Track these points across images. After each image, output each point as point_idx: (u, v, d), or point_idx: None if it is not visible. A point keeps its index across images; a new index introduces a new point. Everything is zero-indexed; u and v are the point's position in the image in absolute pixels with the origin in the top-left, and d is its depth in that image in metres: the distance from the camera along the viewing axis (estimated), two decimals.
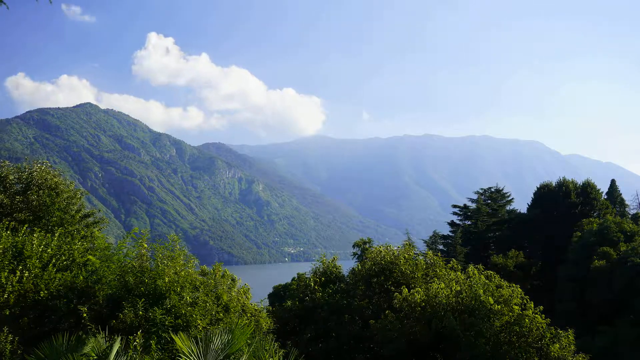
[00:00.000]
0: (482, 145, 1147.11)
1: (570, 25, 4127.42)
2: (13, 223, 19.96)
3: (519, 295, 22.68)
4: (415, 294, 22.79)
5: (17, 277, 16.09)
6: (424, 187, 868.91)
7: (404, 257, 26.94)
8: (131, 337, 13.77)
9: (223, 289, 19.13)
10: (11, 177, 24.07)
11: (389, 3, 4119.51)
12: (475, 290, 22.24)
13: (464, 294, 22.46)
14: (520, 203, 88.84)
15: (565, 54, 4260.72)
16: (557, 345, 21.33)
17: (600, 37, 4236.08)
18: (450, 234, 69.77)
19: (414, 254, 28.66)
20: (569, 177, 68.36)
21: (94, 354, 12.17)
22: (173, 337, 12.64)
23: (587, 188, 64.49)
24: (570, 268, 50.58)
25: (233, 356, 12.54)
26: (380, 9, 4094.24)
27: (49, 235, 19.00)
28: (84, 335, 13.35)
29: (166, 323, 15.17)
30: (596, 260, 46.14)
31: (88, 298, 15.98)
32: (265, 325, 20.00)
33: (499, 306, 21.82)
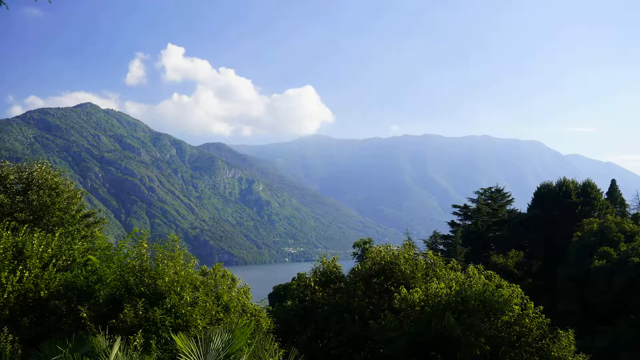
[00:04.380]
0: (482, 145, 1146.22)
1: (572, 26, 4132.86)
2: (13, 223, 19.94)
3: (519, 295, 22.65)
4: (414, 293, 22.79)
5: (18, 277, 16.10)
6: (424, 187, 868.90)
7: (404, 257, 26.92)
8: (131, 337, 13.78)
9: (223, 289, 19.13)
10: (11, 177, 24.05)
11: (389, 1, 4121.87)
12: (475, 290, 22.24)
13: (464, 294, 22.46)
14: (521, 203, 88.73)
15: (565, 54, 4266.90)
16: (557, 345, 21.33)
17: (601, 38, 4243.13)
18: (451, 234, 69.81)
19: (414, 254, 28.64)
20: (569, 177, 68.40)
21: (94, 354, 12.19)
22: (173, 337, 12.65)
23: (588, 188, 64.52)
24: (570, 268, 50.60)
25: (233, 356, 12.54)
26: (381, 7, 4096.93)
27: (49, 235, 19.00)
28: (84, 335, 13.38)
29: (166, 323, 15.19)
30: (596, 260, 46.15)
31: (88, 298, 15.98)
32: (265, 325, 19.98)
33: (499, 306, 21.82)
